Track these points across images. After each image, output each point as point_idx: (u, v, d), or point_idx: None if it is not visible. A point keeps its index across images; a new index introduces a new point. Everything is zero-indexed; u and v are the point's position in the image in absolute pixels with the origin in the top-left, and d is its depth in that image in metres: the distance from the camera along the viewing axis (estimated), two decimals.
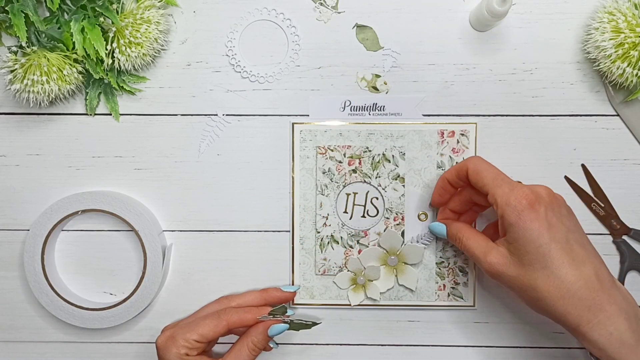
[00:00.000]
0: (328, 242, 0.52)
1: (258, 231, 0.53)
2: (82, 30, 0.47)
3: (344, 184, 0.52)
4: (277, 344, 0.50)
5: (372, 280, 0.52)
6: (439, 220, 0.50)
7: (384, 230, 0.52)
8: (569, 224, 0.41)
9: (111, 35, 0.47)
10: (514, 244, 0.42)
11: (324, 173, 0.52)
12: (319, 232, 0.52)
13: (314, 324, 0.48)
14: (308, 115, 0.52)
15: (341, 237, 0.52)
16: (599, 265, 0.41)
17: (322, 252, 0.52)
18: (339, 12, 0.51)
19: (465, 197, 0.49)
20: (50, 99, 0.49)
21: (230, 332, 0.48)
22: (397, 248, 0.52)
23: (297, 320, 0.47)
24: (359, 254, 0.52)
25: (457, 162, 0.51)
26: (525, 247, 0.41)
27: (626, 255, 0.51)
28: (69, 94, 0.51)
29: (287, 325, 0.47)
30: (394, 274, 0.52)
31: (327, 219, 0.52)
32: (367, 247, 0.52)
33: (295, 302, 0.53)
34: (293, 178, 0.52)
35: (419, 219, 0.52)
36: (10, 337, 0.54)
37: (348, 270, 0.52)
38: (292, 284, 0.53)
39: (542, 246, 0.40)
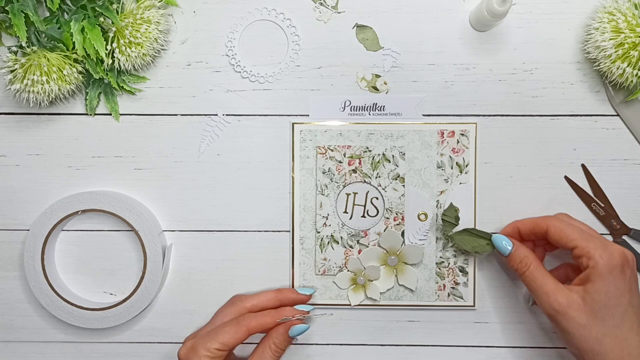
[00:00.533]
0: (328, 242, 0.52)
1: (258, 231, 0.53)
2: (82, 30, 0.47)
3: (344, 184, 0.52)
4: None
5: (372, 280, 0.52)
6: (505, 234, 0.49)
7: (384, 230, 0.52)
8: (636, 288, 0.44)
9: (111, 35, 0.47)
10: (594, 296, 0.43)
11: (324, 173, 0.52)
12: (319, 232, 0.52)
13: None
14: (308, 115, 0.52)
15: (341, 237, 0.52)
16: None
17: (322, 252, 0.52)
18: (339, 12, 0.51)
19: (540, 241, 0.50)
20: (50, 99, 0.49)
21: (250, 335, 0.48)
22: (397, 248, 0.52)
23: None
24: (359, 254, 0.52)
25: (457, 163, 0.51)
26: (606, 301, 0.42)
27: None
28: (69, 94, 0.51)
29: (307, 326, 0.48)
30: (394, 274, 0.52)
31: (327, 219, 0.52)
32: (367, 247, 0.52)
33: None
34: (293, 178, 0.52)
35: (419, 218, 0.52)
36: (10, 337, 0.54)
37: (348, 270, 0.52)
38: (292, 285, 0.53)
39: (621, 306, 0.42)
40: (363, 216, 0.52)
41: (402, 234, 0.52)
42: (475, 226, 0.52)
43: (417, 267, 0.52)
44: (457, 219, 0.50)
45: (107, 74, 0.50)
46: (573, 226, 0.46)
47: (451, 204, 0.51)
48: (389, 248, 0.52)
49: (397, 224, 0.52)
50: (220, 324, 0.47)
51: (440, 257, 0.52)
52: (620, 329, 0.42)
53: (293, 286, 0.53)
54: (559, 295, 0.44)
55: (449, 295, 0.52)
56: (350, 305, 0.53)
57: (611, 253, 0.43)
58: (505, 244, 0.47)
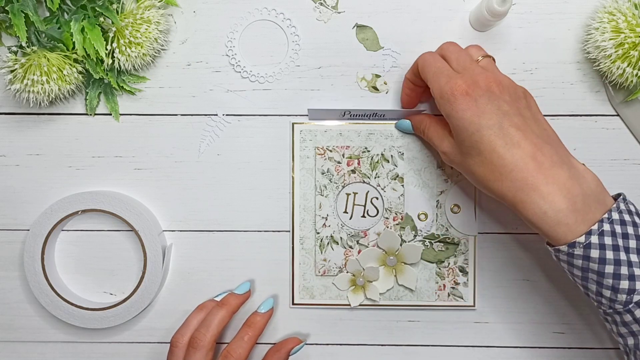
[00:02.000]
0: (328, 243, 0.52)
1: (258, 231, 0.53)
2: (82, 30, 0.47)
3: (343, 184, 0.52)
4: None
5: (371, 281, 0.52)
6: (407, 79, 0.50)
7: (383, 230, 0.52)
8: (508, 108, 0.40)
9: (111, 35, 0.47)
10: (455, 134, 0.42)
11: (322, 174, 0.52)
12: (318, 233, 0.52)
13: None
14: (308, 116, 0.52)
15: (341, 238, 0.52)
16: (541, 146, 0.40)
17: (322, 252, 0.52)
18: (339, 12, 0.51)
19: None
20: (50, 99, 0.49)
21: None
22: (395, 248, 0.52)
23: None
24: (358, 254, 0.52)
25: None
26: (460, 136, 0.41)
27: None
28: (69, 94, 0.51)
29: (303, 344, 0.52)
30: (394, 274, 0.52)
31: (326, 219, 0.52)
32: (367, 247, 0.52)
33: (295, 302, 0.53)
34: (293, 178, 0.52)
35: (419, 218, 0.52)
36: (10, 337, 0.54)
37: (347, 272, 0.52)
38: (293, 285, 0.53)
39: (474, 134, 0.40)
40: (363, 216, 0.52)
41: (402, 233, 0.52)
42: (475, 226, 0.52)
43: (416, 266, 0.52)
44: (415, 227, 0.52)
45: (107, 74, 0.50)
46: (433, 64, 0.44)
47: (407, 213, 0.52)
48: (387, 248, 0.52)
49: (397, 224, 0.52)
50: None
51: (440, 258, 0.52)
52: (482, 155, 0.40)
53: (293, 286, 0.53)
54: (442, 145, 0.45)
55: (449, 295, 0.52)
56: (350, 306, 0.53)
57: (449, 88, 0.41)
58: (405, 124, 0.50)
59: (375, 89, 0.52)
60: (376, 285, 0.52)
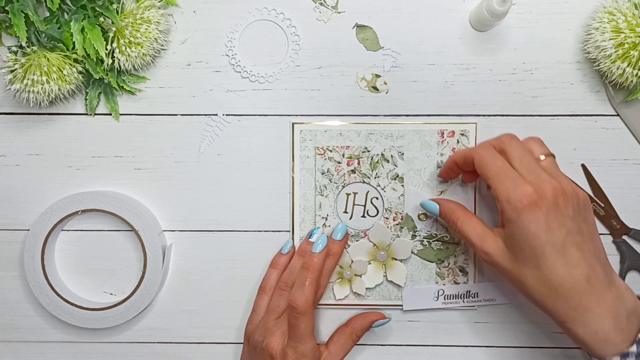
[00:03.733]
0: None
1: (258, 231, 0.53)
2: (82, 30, 0.47)
3: (343, 184, 0.52)
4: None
5: (359, 275, 0.52)
6: (446, 169, 0.50)
7: (375, 224, 0.52)
8: (571, 225, 0.41)
9: (111, 35, 0.47)
10: (511, 240, 0.42)
11: (322, 174, 0.52)
12: None
13: None
14: (308, 115, 0.52)
15: None
16: (594, 267, 0.41)
17: None
18: (339, 12, 0.51)
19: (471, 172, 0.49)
20: (50, 99, 0.49)
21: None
22: (386, 243, 0.52)
23: None
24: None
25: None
26: (520, 245, 0.41)
27: (626, 255, 0.51)
28: (69, 94, 0.51)
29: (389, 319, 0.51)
30: (383, 270, 0.52)
31: (326, 219, 0.52)
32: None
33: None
34: (293, 178, 0.52)
35: (419, 218, 0.52)
36: (10, 337, 0.54)
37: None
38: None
39: (536, 248, 0.40)
40: (363, 216, 0.52)
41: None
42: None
43: (406, 263, 0.52)
44: (415, 227, 0.52)
45: (107, 74, 0.50)
46: (493, 162, 0.43)
47: (407, 214, 0.52)
48: (378, 242, 0.52)
49: (397, 224, 0.52)
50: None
51: (440, 258, 0.52)
52: (540, 270, 0.40)
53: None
54: (485, 244, 0.43)
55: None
56: (335, 298, 0.53)
57: (517, 195, 0.40)
58: (432, 207, 0.49)
59: (375, 89, 0.52)
60: (364, 279, 0.52)
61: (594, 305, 0.40)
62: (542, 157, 0.44)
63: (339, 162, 0.52)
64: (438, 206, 0.48)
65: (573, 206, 0.41)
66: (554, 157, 0.45)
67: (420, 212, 0.52)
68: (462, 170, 0.49)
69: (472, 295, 0.52)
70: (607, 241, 0.52)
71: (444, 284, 0.52)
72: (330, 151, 0.52)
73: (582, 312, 0.40)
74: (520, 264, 0.41)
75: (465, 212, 0.46)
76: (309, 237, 0.51)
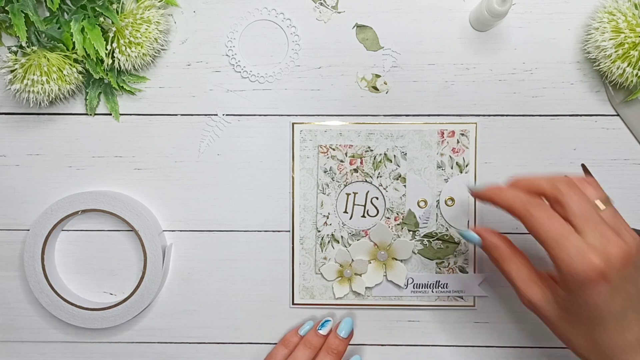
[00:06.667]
0: (329, 242, 0.52)
1: (258, 231, 0.53)
2: (82, 30, 0.47)
3: (345, 183, 0.52)
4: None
5: (359, 274, 0.52)
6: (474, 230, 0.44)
7: (377, 223, 0.52)
8: (634, 292, 0.38)
9: (111, 35, 0.47)
10: (566, 302, 0.39)
11: (325, 172, 0.52)
12: (319, 232, 0.52)
13: None
14: (308, 115, 0.52)
15: (342, 237, 0.52)
16: None
17: (322, 251, 0.52)
18: (339, 12, 0.51)
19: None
20: (50, 99, 0.49)
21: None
22: (387, 242, 0.52)
23: None
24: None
25: (457, 163, 0.51)
26: (578, 311, 0.38)
27: None
28: (69, 94, 0.51)
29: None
30: (383, 270, 0.52)
31: (327, 218, 0.52)
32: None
33: (295, 302, 0.53)
34: (293, 178, 0.52)
35: (419, 205, 0.52)
36: (10, 337, 0.54)
37: (335, 262, 0.52)
38: (293, 285, 0.53)
39: (597, 318, 0.38)
40: (363, 216, 0.52)
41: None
42: (475, 226, 0.52)
43: (406, 262, 0.52)
44: (417, 224, 0.51)
45: (107, 74, 0.50)
46: (552, 223, 0.38)
47: (409, 210, 0.51)
48: (378, 242, 0.52)
49: (398, 224, 0.52)
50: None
51: (440, 257, 0.52)
52: (593, 334, 0.39)
53: (293, 286, 0.53)
54: (530, 292, 0.41)
55: (449, 295, 0.52)
56: (335, 297, 0.53)
57: (582, 266, 0.36)
58: (473, 238, 0.44)
59: (375, 89, 0.52)
60: (364, 278, 0.52)
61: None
62: (602, 207, 0.39)
63: (341, 161, 0.52)
64: (480, 239, 0.43)
65: (636, 267, 0.38)
66: (611, 203, 0.40)
67: (420, 199, 0.51)
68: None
69: (442, 286, 0.52)
70: None
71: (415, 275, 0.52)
72: (333, 149, 0.52)
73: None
74: (572, 325, 0.39)
75: (510, 250, 0.42)
76: (319, 328, 0.50)
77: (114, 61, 0.48)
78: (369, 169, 0.52)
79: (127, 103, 0.52)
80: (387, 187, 0.52)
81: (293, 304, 0.53)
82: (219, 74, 0.52)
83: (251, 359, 0.54)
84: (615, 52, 0.46)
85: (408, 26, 0.51)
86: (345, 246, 0.52)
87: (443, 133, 0.51)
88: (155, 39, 0.49)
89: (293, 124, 0.52)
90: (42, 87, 0.47)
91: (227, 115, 0.52)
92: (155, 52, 0.50)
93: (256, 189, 0.53)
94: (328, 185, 0.52)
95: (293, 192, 0.52)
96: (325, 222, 0.52)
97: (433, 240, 0.52)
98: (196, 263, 0.53)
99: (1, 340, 0.54)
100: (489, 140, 0.52)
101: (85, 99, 0.52)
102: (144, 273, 0.51)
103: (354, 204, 0.52)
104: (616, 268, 0.37)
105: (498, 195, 0.41)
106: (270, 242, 0.53)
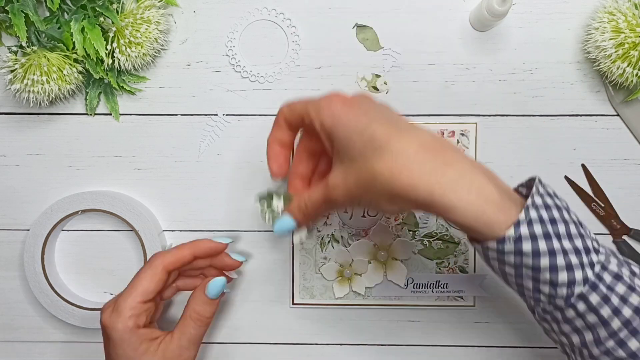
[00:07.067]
0: (328, 241, 0.52)
1: (258, 231, 0.53)
2: (82, 30, 0.47)
3: None
4: (241, 255, 0.48)
5: (359, 274, 0.52)
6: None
7: (377, 224, 0.52)
8: (384, 109, 0.38)
9: (111, 35, 0.47)
10: (341, 149, 0.37)
11: None
12: (319, 231, 0.52)
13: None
14: None
15: (342, 237, 0.52)
16: (432, 133, 0.37)
17: (322, 250, 0.52)
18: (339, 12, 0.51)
19: (303, 151, 0.43)
20: (50, 99, 0.49)
21: (173, 282, 0.47)
22: (387, 242, 0.52)
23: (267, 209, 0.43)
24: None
25: None
26: (350, 141, 0.36)
27: (626, 255, 0.51)
28: (69, 94, 0.51)
29: (224, 279, 0.45)
30: (383, 270, 0.52)
31: (327, 218, 0.52)
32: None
33: (295, 302, 0.53)
34: None
35: None
36: (10, 337, 0.54)
37: (336, 262, 0.52)
38: (292, 285, 0.53)
39: (365, 130, 0.36)
40: (363, 216, 0.52)
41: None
42: None
43: (406, 263, 0.52)
44: (417, 224, 0.51)
45: (107, 74, 0.50)
46: (299, 101, 0.40)
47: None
48: (379, 242, 0.52)
49: (398, 224, 0.52)
50: (136, 277, 0.45)
51: (440, 257, 0.52)
52: (380, 149, 0.35)
53: (293, 286, 0.53)
54: (329, 187, 0.38)
55: (449, 295, 0.52)
56: (335, 297, 0.53)
57: (326, 100, 0.38)
58: (287, 223, 0.41)
59: (376, 89, 0.52)
60: (364, 278, 0.52)
61: (453, 160, 0.35)
62: None
63: None
64: (291, 217, 0.41)
65: (375, 101, 0.39)
66: None
67: None
68: (286, 149, 0.43)
69: (442, 286, 0.52)
70: (607, 241, 0.52)
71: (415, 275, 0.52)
72: None
73: (444, 169, 0.34)
74: (360, 161, 0.36)
75: (304, 191, 0.42)
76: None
77: (114, 61, 0.48)
78: None
79: (127, 103, 0.52)
80: None
81: (293, 304, 0.53)
82: (219, 74, 0.52)
83: (251, 359, 0.54)
84: (616, 52, 0.46)
85: (408, 26, 0.51)
86: (345, 246, 0.52)
87: (443, 133, 0.51)
88: (155, 39, 0.49)
89: None
90: (42, 87, 0.47)
91: (227, 115, 0.52)
92: (155, 52, 0.50)
93: (256, 189, 0.53)
94: None
95: None
96: (325, 222, 0.52)
97: (433, 240, 0.52)
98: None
99: (1, 340, 0.54)
100: (489, 140, 0.52)
101: (85, 99, 0.52)
102: None
103: None
104: (357, 97, 0.38)
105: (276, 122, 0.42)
106: (271, 242, 0.53)
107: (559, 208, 0.35)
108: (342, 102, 0.38)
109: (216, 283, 0.45)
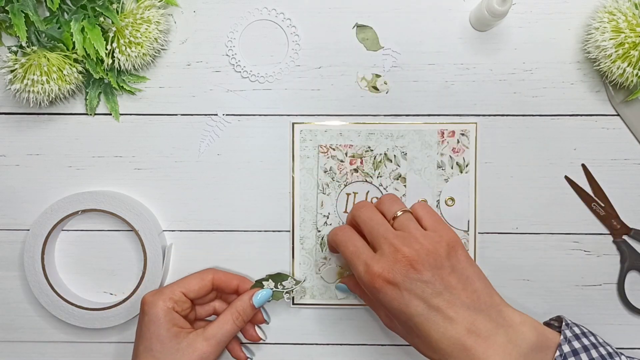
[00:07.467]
0: None
1: (258, 231, 0.53)
2: (82, 30, 0.47)
3: (345, 183, 0.52)
4: (268, 316, 0.52)
5: None
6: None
7: None
8: (431, 290, 0.40)
9: (111, 35, 0.47)
10: (390, 315, 0.45)
11: (325, 172, 0.52)
12: (319, 231, 0.52)
13: (297, 282, 0.51)
14: (308, 115, 0.52)
15: None
16: (472, 318, 0.40)
17: (322, 251, 0.52)
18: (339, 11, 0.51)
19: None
20: (50, 99, 0.49)
21: (215, 289, 0.50)
22: None
23: (278, 288, 0.50)
24: None
25: (457, 163, 0.51)
26: (396, 319, 0.43)
27: (626, 255, 0.51)
28: (69, 94, 0.51)
29: (270, 291, 0.49)
30: None
31: (328, 218, 0.52)
32: None
33: (295, 302, 0.53)
34: (293, 178, 0.52)
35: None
36: (10, 337, 0.54)
37: (336, 265, 0.52)
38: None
39: (407, 322, 0.41)
40: None
41: None
42: (475, 225, 0.52)
43: None
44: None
45: (107, 74, 0.50)
46: (347, 239, 0.45)
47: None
48: None
49: None
50: (184, 277, 0.50)
51: None
52: (420, 338, 0.41)
53: None
54: (381, 315, 0.48)
55: None
56: (338, 298, 0.53)
57: (369, 280, 0.41)
58: (340, 285, 0.51)
59: (376, 88, 0.52)
60: None
61: (481, 354, 0.38)
62: (399, 213, 0.45)
63: (341, 161, 0.52)
64: (345, 285, 0.51)
65: (430, 266, 0.41)
66: (409, 212, 0.45)
67: (421, 200, 0.52)
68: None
69: None
70: (607, 241, 0.52)
71: None
72: (333, 149, 0.52)
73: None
74: (405, 333, 0.44)
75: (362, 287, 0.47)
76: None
77: (114, 61, 0.48)
78: (369, 168, 0.52)
79: (127, 103, 0.52)
80: (387, 187, 0.52)
81: (293, 304, 0.53)
82: (219, 74, 0.52)
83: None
84: (616, 52, 0.46)
85: (408, 26, 0.51)
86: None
87: (443, 133, 0.51)
88: (155, 38, 0.49)
89: (293, 123, 0.52)
90: (42, 87, 0.47)
91: (227, 115, 0.52)
92: (155, 52, 0.50)
93: (256, 189, 0.53)
94: (328, 185, 0.52)
95: (293, 192, 0.52)
96: (326, 222, 0.52)
97: None
98: (196, 263, 0.53)
99: (1, 340, 0.54)
100: (489, 140, 0.52)
101: (85, 99, 0.52)
102: (144, 273, 0.51)
103: (354, 204, 0.52)
104: (401, 274, 0.40)
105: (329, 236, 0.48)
106: (270, 242, 0.53)
107: (587, 350, 0.40)
108: (384, 284, 0.41)
109: (263, 293, 0.49)
